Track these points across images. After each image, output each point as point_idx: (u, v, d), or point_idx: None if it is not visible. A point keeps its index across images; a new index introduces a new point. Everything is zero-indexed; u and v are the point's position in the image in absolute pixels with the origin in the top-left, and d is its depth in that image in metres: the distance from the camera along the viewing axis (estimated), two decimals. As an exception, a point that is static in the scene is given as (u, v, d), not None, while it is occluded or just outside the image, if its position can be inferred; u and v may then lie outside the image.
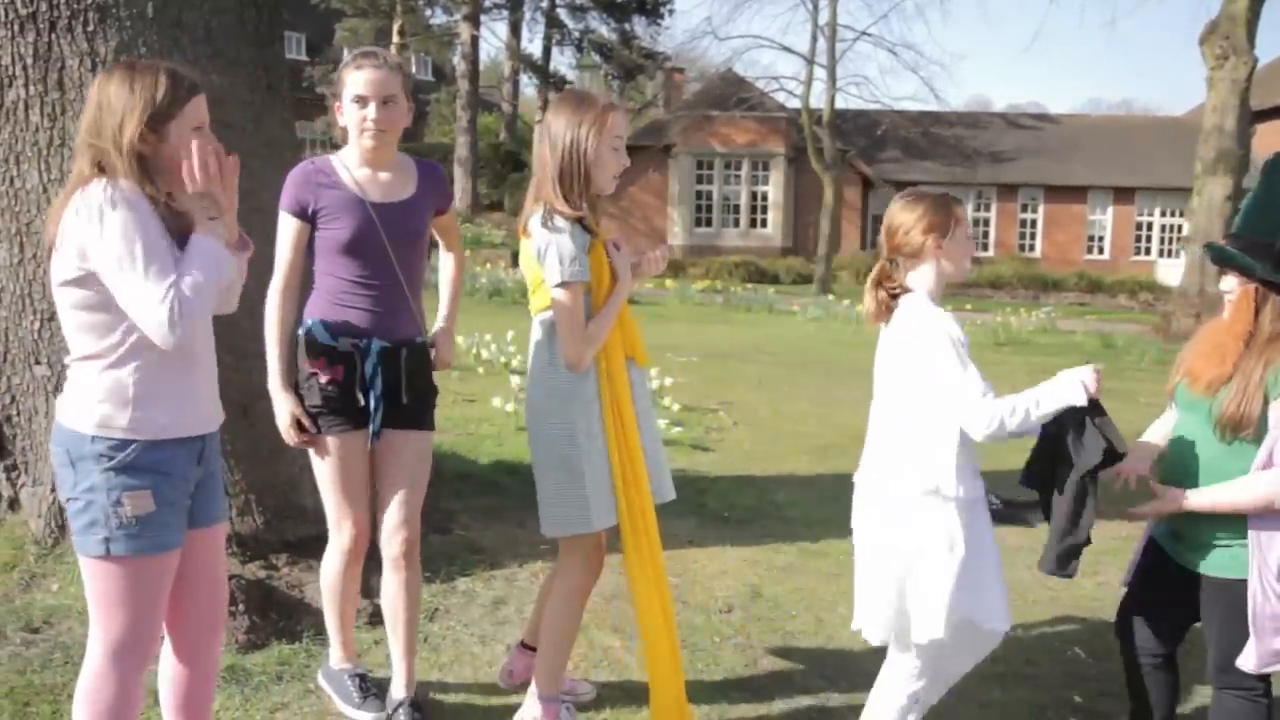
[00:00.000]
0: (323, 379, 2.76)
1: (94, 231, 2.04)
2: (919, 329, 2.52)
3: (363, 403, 2.79)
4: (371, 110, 2.68)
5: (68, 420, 2.16)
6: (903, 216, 2.60)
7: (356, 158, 2.78)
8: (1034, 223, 32.81)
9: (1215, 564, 2.49)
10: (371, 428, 2.81)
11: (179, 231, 2.16)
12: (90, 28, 3.43)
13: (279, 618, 3.49)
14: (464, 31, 30.64)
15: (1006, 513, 5.74)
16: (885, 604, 2.60)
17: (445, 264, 3.19)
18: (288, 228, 2.78)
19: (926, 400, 2.53)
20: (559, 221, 2.64)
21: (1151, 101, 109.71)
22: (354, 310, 2.77)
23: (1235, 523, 2.43)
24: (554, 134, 2.68)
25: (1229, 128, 14.09)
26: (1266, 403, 2.35)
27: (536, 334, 2.79)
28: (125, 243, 2.03)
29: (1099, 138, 33.33)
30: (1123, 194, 32.01)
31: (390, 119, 2.72)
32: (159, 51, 3.48)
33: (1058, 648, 3.74)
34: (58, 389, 3.61)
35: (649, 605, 2.79)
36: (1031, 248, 32.66)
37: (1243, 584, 2.43)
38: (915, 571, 2.54)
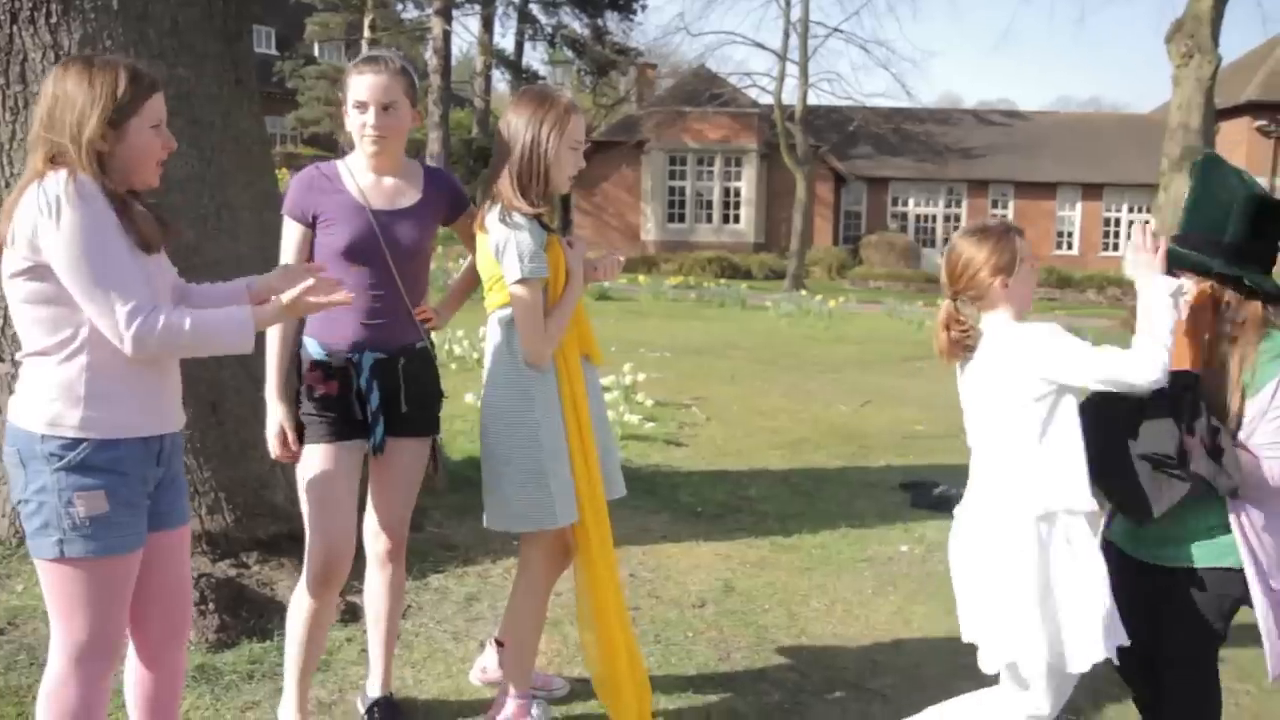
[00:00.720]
0: (318, 391, 2.69)
1: (49, 226, 2.00)
2: (1020, 346, 2.41)
3: (360, 416, 2.72)
4: (371, 116, 2.62)
5: (18, 419, 2.11)
6: (969, 255, 2.47)
7: (362, 164, 2.72)
8: (1004, 219, 33.10)
9: (1186, 555, 2.48)
10: (373, 441, 2.73)
11: (139, 232, 2.12)
12: (53, 20, 3.37)
13: (250, 616, 3.46)
14: (436, 26, 30.41)
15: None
16: (1039, 633, 2.41)
17: (467, 263, 3.05)
18: (289, 232, 2.71)
19: (1045, 418, 2.40)
20: (517, 218, 2.62)
21: (1119, 99, 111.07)
22: (350, 322, 2.68)
23: (1205, 515, 2.43)
24: (514, 130, 2.65)
25: (1194, 125, 14.26)
26: (1244, 397, 2.37)
27: (495, 331, 2.76)
28: (82, 247, 2.00)
29: (1068, 134, 33.68)
30: (1091, 190, 32.38)
31: (390, 125, 2.64)
32: (124, 45, 3.43)
33: (1027, 639, 3.78)
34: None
35: (603, 603, 2.80)
36: (1001, 243, 32.91)
37: (1214, 572, 2.44)
38: (1064, 593, 2.41)
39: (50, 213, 2.00)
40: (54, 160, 2.07)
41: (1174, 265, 2.50)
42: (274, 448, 2.74)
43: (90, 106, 2.05)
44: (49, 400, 2.08)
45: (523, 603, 2.88)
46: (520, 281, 2.62)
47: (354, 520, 2.77)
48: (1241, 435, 2.38)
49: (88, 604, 2.13)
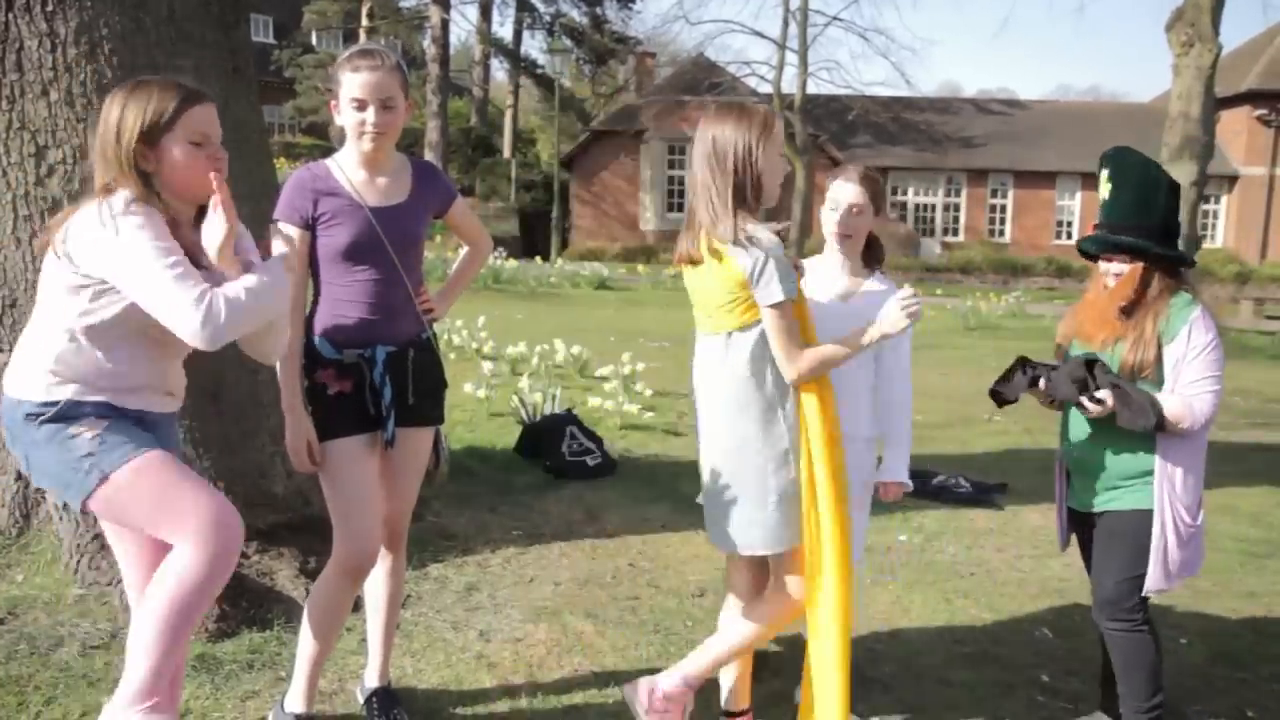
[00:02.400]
0: (331, 390, 2.66)
1: (108, 238, 2.08)
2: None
3: (373, 411, 2.69)
4: (371, 114, 2.56)
5: (8, 384, 2.22)
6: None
7: (354, 160, 2.66)
8: (1004, 208, 33.08)
9: (1118, 500, 2.78)
10: (385, 436, 2.70)
11: (189, 251, 2.17)
12: (49, 8, 3.36)
13: (249, 605, 3.46)
14: (434, 15, 30.30)
15: (974, 495, 5.83)
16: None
17: (463, 255, 3.07)
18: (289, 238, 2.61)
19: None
20: (765, 237, 2.50)
21: (1119, 88, 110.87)
22: (358, 319, 2.66)
23: (1133, 462, 2.74)
24: (721, 147, 2.52)
25: (1194, 114, 14.22)
26: (1160, 347, 2.70)
27: (739, 354, 2.58)
28: (143, 248, 2.07)
29: (1067, 124, 33.62)
30: (1091, 179, 32.14)
31: (389, 122, 2.59)
32: (121, 33, 3.42)
33: (1025, 628, 3.79)
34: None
35: (823, 633, 2.61)
36: (1001, 233, 32.94)
37: (1139, 514, 2.72)
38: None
39: (109, 226, 2.09)
40: (108, 188, 2.15)
41: (1115, 250, 2.80)
42: (301, 462, 2.67)
43: (127, 126, 2.13)
44: (25, 373, 2.19)
45: (752, 626, 2.74)
46: (779, 304, 2.49)
47: (380, 511, 2.75)
48: (1168, 383, 2.70)
49: (175, 484, 2.15)
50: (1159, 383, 2.71)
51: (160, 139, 2.14)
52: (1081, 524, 2.94)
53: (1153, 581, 2.73)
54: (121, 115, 2.14)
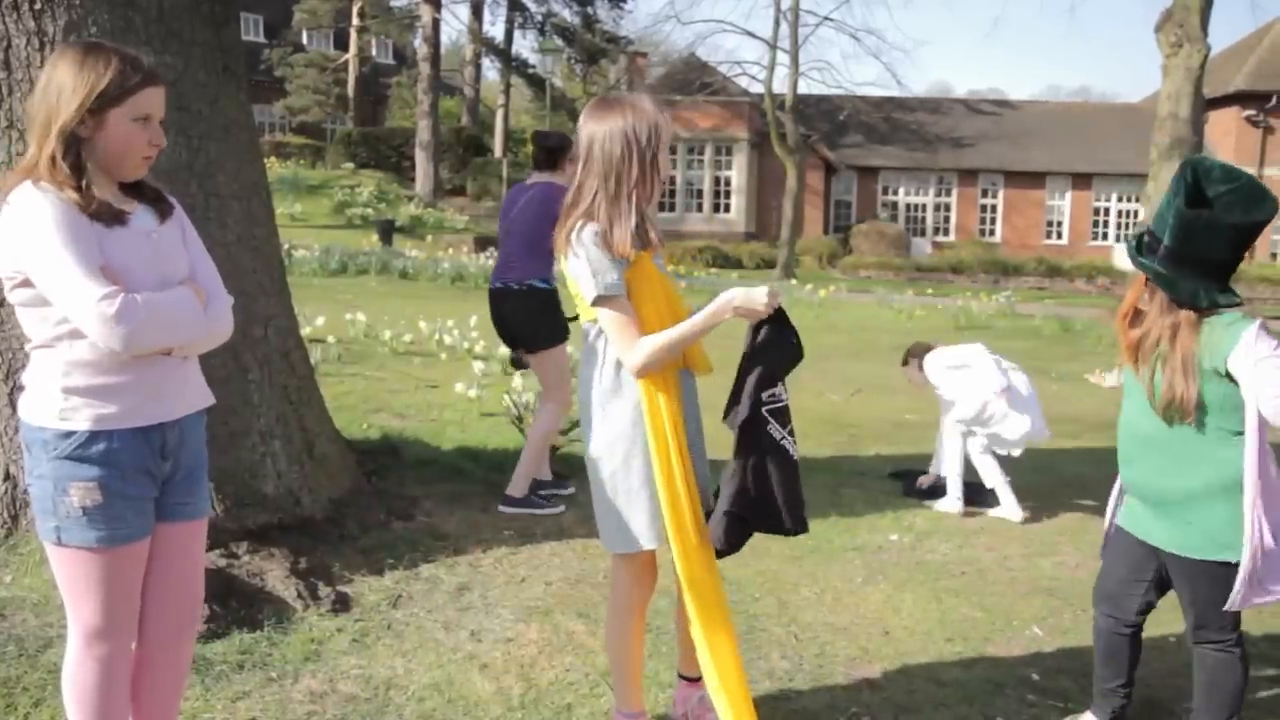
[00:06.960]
0: None
1: (18, 236, 2.00)
2: None
3: None
4: None
5: (21, 408, 2.14)
6: None
7: None
8: (994, 208, 33.18)
9: (1196, 547, 2.62)
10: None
11: (96, 213, 2.07)
12: (38, 5, 3.34)
13: (240, 606, 3.45)
14: (425, 14, 30.24)
15: (966, 495, 5.82)
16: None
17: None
18: None
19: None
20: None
21: (1109, 88, 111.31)
22: None
23: (1211, 507, 2.57)
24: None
25: (1183, 114, 14.29)
26: (1201, 381, 2.51)
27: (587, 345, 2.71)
28: (50, 246, 1.98)
29: (1057, 124, 33.74)
30: (1080, 180, 32.48)
31: None
32: (110, 31, 3.41)
33: (1016, 627, 3.80)
34: (7, 378, 3.54)
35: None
36: (991, 233, 33.05)
37: (1221, 565, 2.57)
38: None
39: (19, 223, 2.00)
40: (29, 169, 2.06)
41: (1131, 258, 2.71)
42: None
43: (73, 91, 2.02)
44: (45, 391, 2.09)
45: (610, 622, 2.86)
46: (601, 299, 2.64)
47: None
48: (1246, 393, 2.47)
49: (90, 589, 2.14)
50: (1200, 427, 2.54)
51: (107, 110, 2.05)
52: (1132, 544, 2.80)
53: (1242, 600, 2.58)
54: (75, 77, 2.03)
